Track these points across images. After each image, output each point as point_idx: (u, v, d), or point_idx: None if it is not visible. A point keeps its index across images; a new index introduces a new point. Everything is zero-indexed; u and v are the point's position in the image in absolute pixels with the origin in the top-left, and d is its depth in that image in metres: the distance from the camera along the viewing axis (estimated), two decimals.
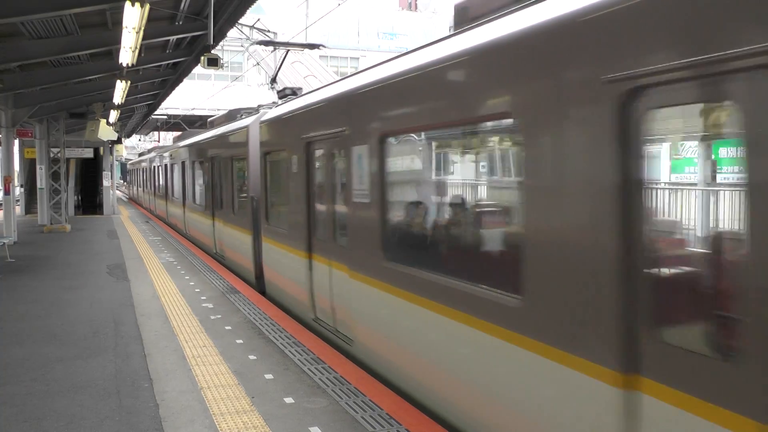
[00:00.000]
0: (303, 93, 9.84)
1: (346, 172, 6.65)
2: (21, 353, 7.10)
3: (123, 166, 67.09)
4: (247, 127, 11.56)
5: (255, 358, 6.76)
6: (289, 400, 5.52)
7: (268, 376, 6.14)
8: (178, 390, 5.79)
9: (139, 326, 8.19)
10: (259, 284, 11.02)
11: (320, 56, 53.10)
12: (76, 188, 32.87)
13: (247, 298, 9.87)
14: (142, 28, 9.74)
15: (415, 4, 66.51)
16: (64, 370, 6.48)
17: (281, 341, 7.36)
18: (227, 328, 8.05)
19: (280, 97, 11.27)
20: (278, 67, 12.80)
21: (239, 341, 7.41)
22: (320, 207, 7.80)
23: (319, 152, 7.76)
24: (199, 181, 17.12)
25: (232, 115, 14.75)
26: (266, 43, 13.60)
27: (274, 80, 13.04)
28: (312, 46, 12.89)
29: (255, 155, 10.96)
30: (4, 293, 10.62)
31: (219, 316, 8.67)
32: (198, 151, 17.02)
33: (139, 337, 7.68)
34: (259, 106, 13.07)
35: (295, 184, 8.46)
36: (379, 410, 5.22)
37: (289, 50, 12.57)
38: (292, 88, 11.26)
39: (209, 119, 18.37)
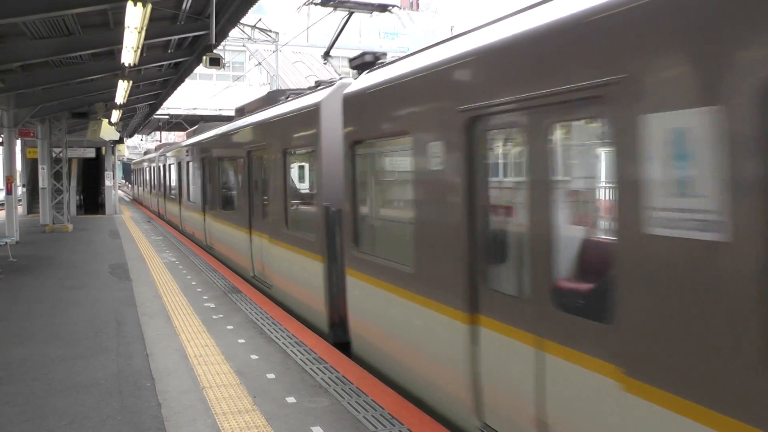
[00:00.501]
0: (451, 36, 5.68)
1: (620, 169, 3.35)
2: (23, 353, 7.10)
3: (125, 166, 67.10)
4: (317, 105, 8.06)
5: (257, 357, 6.76)
6: (290, 399, 5.51)
7: (270, 376, 6.13)
8: (180, 389, 5.79)
9: (141, 326, 8.20)
10: (334, 334, 7.74)
11: (321, 56, 53.08)
12: (78, 188, 32.89)
13: (248, 298, 9.86)
14: (144, 28, 9.75)
15: (417, 4, 66.55)
16: (67, 369, 6.48)
17: (283, 341, 7.36)
18: (229, 327, 8.05)
19: (354, 66, 7.96)
20: (337, 32, 9.71)
21: (241, 341, 7.41)
22: (507, 235, 4.57)
23: (502, 133, 4.58)
24: (228, 182, 13.76)
25: (272, 98, 11.78)
26: (327, 3, 9.78)
27: (327, 54, 10.06)
28: (383, 8, 9.96)
29: (332, 145, 7.74)
30: (6, 293, 10.63)
31: (221, 316, 8.67)
32: (225, 145, 13.53)
33: (141, 336, 7.68)
34: (319, 82, 9.83)
35: (434, 190, 5.18)
36: (381, 410, 5.22)
37: (352, 13, 9.44)
38: (374, 53, 7.96)
39: (238, 107, 14.85)
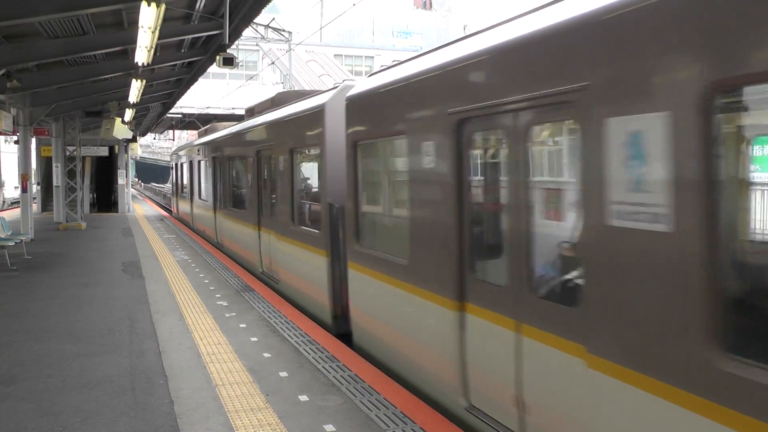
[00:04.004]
0: None
1: None
2: (38, 349, 7.16)
3: (138, 164, 66.75)
4: None
5: (269, 355, 6.77)
6: (303, 397, 5.52)
7: (283, 374, 6.15)
8: (193, 387, 5.82)
9: (153, 323, 8.24)
10: None
11: (335, 55, 53.28)
12: (91, 186, 33.14)
13: (261, 296, 9.89)
14: (158, 28, 9.78)
15: (430, 3, 66.47)
16: (80, 366, 6.52)
17: (295, 339, 7.38)
18: (242, 325, 8.08)
19: None
20: None
21: (254, 339, 7.43)
22: None
23: None
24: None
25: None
26: None
27: None
28: None
29: None
30: (20, 290, 10.72)
31: (233, 314, 8.70)
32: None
33: (153, 334, 7.72)
34: None
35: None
36: (393, 408, 5.21)
37: None
38: None
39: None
